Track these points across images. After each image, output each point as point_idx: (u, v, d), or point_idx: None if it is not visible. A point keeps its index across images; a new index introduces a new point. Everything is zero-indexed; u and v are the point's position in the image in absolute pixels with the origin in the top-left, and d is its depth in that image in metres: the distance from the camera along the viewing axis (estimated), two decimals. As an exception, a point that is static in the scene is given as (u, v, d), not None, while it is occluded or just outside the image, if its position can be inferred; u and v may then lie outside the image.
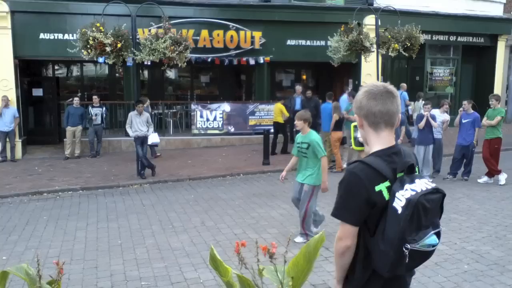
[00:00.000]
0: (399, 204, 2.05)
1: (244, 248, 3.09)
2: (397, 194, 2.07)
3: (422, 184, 2.12)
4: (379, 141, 2.25)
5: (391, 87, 2.27)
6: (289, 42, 16.15)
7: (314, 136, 6.57)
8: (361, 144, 2.48)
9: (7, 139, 13.35)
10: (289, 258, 3.01)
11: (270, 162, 12.35)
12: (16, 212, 8.65)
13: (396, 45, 13.23)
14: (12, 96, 13.63)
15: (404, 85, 16.04)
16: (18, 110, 13.72)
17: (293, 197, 6.98)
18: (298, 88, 14.90)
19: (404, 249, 2.03)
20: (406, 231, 2.02)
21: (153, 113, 14.42)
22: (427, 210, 2.07)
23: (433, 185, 2.16)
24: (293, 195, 6.96)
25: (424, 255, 2.13)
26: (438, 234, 2.13)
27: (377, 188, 2.11)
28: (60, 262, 3.26)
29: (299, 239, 6.69)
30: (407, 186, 2.09)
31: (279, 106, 13.77)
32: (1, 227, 7.72)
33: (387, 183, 2.13)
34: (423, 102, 12.93)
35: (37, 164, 12.91)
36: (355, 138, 2.48)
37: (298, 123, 6.70)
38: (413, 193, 2.06)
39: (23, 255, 6.45)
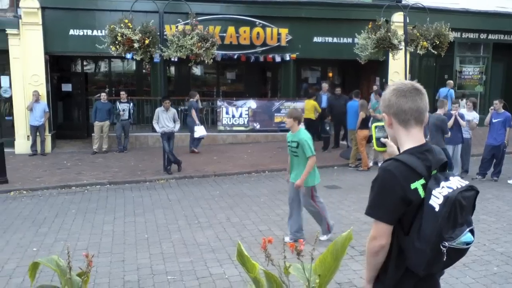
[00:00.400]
0: (436, 201, 2.04)
1: (270, 245, 3.10)
2: (433, 192, 2.06)
3: (457, 182, 2.11)
4: (410, 138, 2.24)
5: (419, 85, 2.27)
6: (315, 39, 16.05)
7: (304, 135, 6.37)
8: (383, 145, 2.46)
9: (38, 133, 13.65)
10: (315, 256, 3.01)
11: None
12: (46, 205, 8.83)
13: (425, 43, 13.03)
14: (43, 91, 13.90)
15: (451, 82, 15.75)
16: (48, 105, 13.98)
17: (289, 197, 6.72)
18: (325, 85, 14.79)
19: (441, 247, 2.02)
20: (443, 229, 2.01)
21: (179, 109, 14.52)
22: (463, 207, 2.06)
23: (466, 182, 2.15)
24: (289, 195, 6.73)
25: (460, 253, 2.11)
26: (472, 232, 2.12)
27: (412, 186, 2.09)
28: (89, 254, 3.33)
29: (323, 237, 6.65)
30: (442, 183, 2.08)
31: (312, 102, 13.68)
32: (31, 219, 7.90)
33: (422, 181, 2.11)
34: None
35: (66, 158, 13.15)
36: (377, 139, 2.44)
37: (287, 121, 6.50)
38: (450, 190, 2.05)
39: (52, 247, 6.59)
